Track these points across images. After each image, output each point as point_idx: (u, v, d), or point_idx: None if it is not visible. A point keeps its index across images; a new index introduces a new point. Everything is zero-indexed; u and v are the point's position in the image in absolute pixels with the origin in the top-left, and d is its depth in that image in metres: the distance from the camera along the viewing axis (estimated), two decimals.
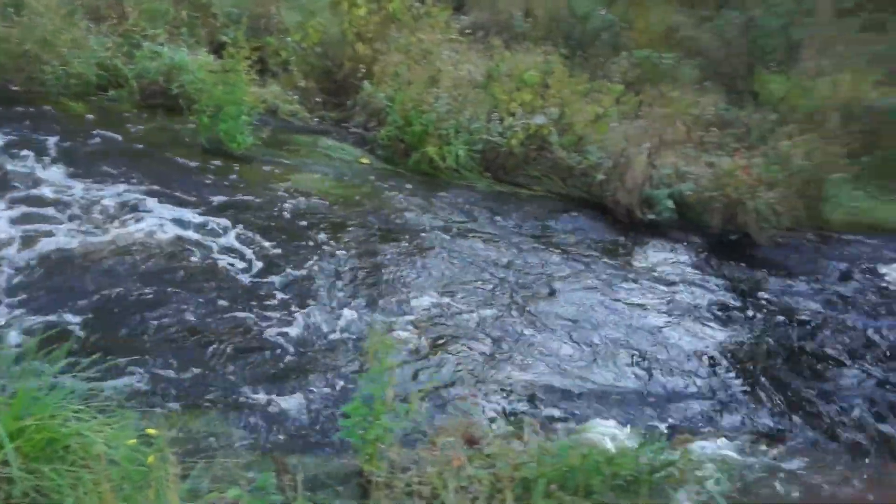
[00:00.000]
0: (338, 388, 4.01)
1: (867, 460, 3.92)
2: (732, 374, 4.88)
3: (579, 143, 7.38)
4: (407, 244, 5.77)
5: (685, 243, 6.61)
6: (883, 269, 6.61)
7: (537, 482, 3.00)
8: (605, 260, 6.13)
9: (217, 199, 5.85)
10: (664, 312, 5.49)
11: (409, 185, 6.82)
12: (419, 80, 7.43)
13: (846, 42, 9.48)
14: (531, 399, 4.29)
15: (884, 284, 6.41)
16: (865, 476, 2.98)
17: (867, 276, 6.53)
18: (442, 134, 7.17)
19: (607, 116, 7.59)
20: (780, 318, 5.72)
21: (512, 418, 4.06)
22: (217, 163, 6.46)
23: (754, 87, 8.71)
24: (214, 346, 4.19)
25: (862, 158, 7.84)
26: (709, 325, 5.42)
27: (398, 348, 3.38)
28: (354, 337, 4.49)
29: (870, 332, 5.68)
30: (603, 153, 7.19)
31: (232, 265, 5.02)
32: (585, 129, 7.44)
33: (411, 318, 4.83)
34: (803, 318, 5.78)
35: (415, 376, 4.23)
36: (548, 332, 4.99)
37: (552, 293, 5.46)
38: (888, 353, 5.39)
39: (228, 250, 5.19)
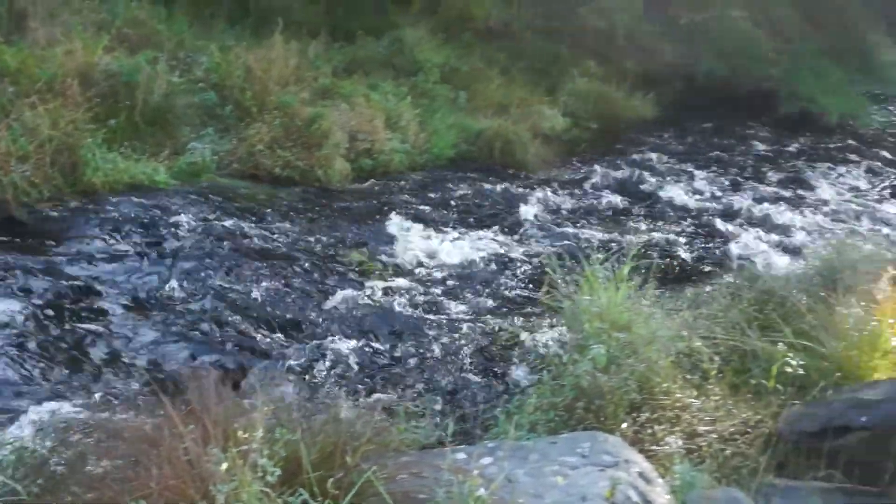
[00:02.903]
0: None
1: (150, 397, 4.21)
2: (20, 349, 4.75)
3: None
4: None
5: None
6: (145, 222, 7.00)
7: None
8: None
9: None
10: None
11: None
12: None
13: (72, 11, 9.58)
14: None
15: (146, 235, 6.80)
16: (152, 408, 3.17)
17: (130, 229, 6.84)
18: None
19: None
20: (52, 285, 5.69)
21: None
22: None
23: None
24: None
25: (110, 122, 8.09)
26: None
27: None
28: None
29: (148, 280, 6.05)
30: None
31: None
32: None
33: None
34: (75, 280, 5.86)
35: None
36: None
37: None
38: (156, 300, 5.81)
39: None
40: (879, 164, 12.74)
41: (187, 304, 5.79)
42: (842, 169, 12.17)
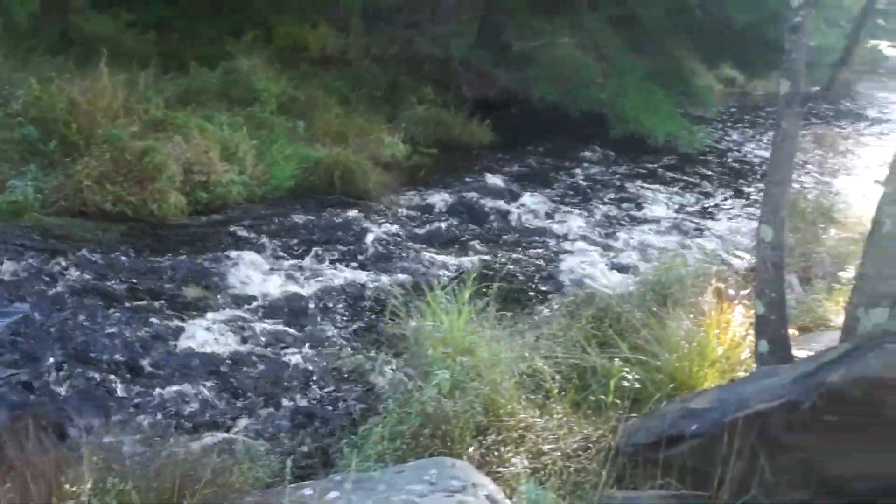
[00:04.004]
0: None
1: None
2: None
3: None
4: None
5: None
6: None
7: None
8: None
9: None
10: None
11: None
12: None
13: None
14: None
15: None
16: None
17: None
18: None
19: None
20: None
21: None
22: None
23: None
24: None
25: None
26: None
27: None
28: None
29: None
30: None
31: None
32: None
33: None
34: None
35: None
36: None
37: None
38: None
39: None
40: (702, 181, 13.49)
41: (6, 351, 5.42)
42: (669, 187, 12.81)
